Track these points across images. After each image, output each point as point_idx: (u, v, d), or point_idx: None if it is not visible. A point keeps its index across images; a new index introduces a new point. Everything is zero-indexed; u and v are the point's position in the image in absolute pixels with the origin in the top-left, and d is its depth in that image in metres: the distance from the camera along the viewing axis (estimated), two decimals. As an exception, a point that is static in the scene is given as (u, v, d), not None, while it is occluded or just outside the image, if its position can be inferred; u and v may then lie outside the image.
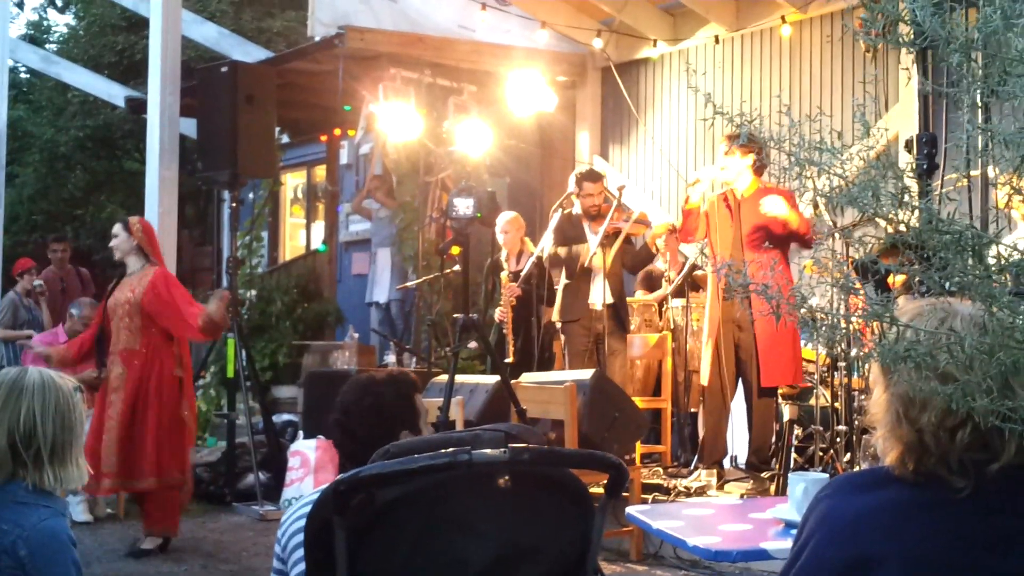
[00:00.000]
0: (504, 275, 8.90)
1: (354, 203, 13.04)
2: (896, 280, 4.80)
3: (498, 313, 8.75)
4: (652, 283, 9.11)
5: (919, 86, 5.63)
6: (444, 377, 6.94)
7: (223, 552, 7.04)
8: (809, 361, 7.34)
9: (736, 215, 6.94)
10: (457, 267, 9.18)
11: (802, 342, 7.03)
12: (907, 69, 7.08)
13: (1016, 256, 1.83)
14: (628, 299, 8.45)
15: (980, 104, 2.02)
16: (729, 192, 7.00)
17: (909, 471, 1.88)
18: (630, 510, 3.49)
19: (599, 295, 7.87)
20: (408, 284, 10.60)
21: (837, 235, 5.73)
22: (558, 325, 8.19)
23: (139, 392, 6.87)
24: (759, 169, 6.87)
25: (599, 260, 7.83)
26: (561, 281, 8.10)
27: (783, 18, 9.58)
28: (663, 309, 8.60)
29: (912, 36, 1.94)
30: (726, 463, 7.40)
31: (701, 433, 7.82)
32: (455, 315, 7.20)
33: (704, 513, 3.54)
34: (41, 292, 10.64)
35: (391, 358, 9.67)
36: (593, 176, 8.18)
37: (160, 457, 6.81)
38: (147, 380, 6.89)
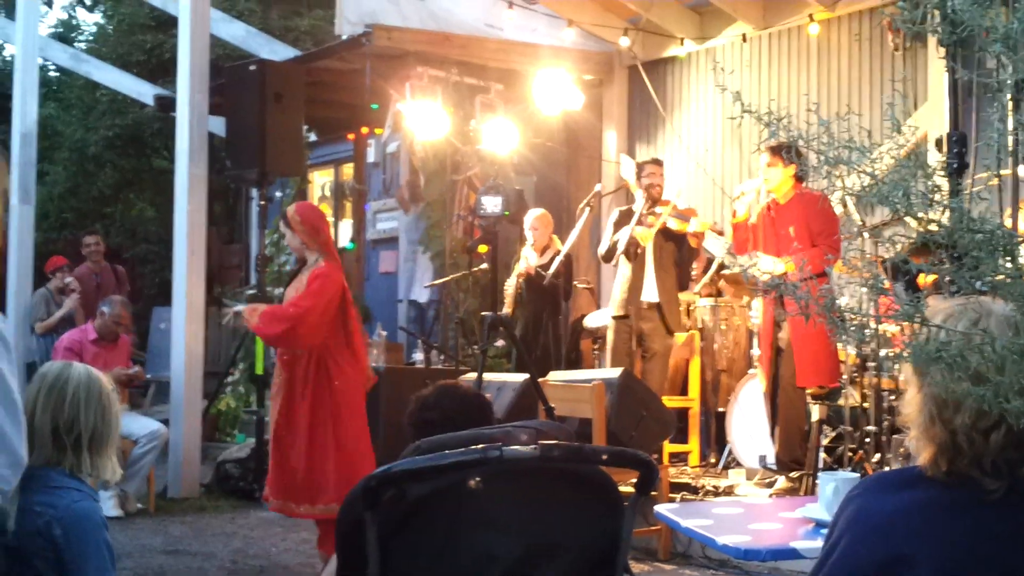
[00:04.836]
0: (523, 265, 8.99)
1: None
2: (927, 280, 4.78)
3: (511, 284, 8.87)
4: (684, 271, 9.09)
5: (954, 76, 5.57)
6: (472, 375, 6.96)
7: (252, 547, 7.08)
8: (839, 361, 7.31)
9: (774, 221, 6.97)
10: (485, 265, 9.19)
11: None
12: (943, 58, 7.02)
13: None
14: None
15: (1012, 99, 2.01)
16: (772, 201, 7.04)
17: (942, 471, 1.88)
18: (659, 508, 3.49)
19: (648, 292, 7.97)
20: (435, 282, 10.62)
21: (867, 234, 5.71)
22: (586, 325, 8.21)
23: (294, 401, 6.01)
24: (799, 178, 6.87)
25: (650, 254, 7.99)
26: (620, 274, 8.16)
27: (811, 16, 9.54)
28: (691, 308, 8.59)
29: (947, 28, 1.94)
30: (755, 463, 7.37)
31: (730, 434, 7.81)
32: (483, 313, 7.21)
33: (733, 512, 3.54)
34: (73, 289, 10.70)
35: (419, 356, 9.70)
36: (655, 160, 8.49)
37: (311, 478, 5.94)
38: (304, 389, 6.00)
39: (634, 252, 7.98)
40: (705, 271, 8.86)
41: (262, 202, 9.30)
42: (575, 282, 9.87)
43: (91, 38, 20.93)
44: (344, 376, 6.01)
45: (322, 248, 6.11)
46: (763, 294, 6.97)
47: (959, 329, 1.83)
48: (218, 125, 10.15)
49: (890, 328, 6.01)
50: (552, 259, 8.85)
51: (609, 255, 8.14)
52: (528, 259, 9.10)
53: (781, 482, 6.90)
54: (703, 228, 8.06)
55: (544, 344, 8.91)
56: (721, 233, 8.64)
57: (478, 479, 2.34)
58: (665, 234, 8.03)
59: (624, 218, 8.18)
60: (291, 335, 5.94)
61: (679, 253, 8.13)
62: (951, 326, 1.85)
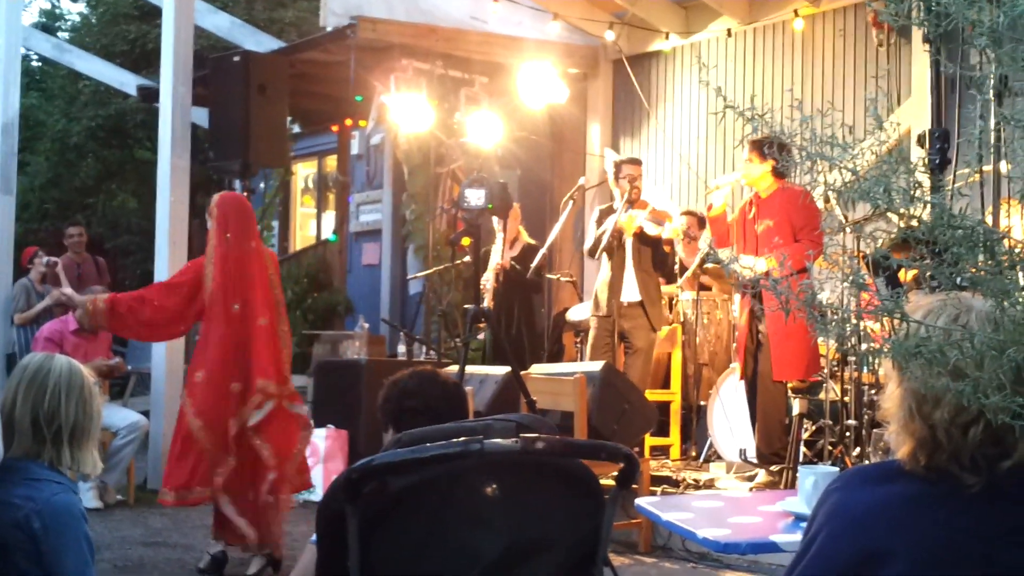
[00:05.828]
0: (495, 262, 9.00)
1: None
2: (907, 275, 4.80)
3: (488, 279, 8.86)
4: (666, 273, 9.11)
5: (939, 70, 5.58)
6: (454, 368, 6.96)
7: (233, 540, 7.05)
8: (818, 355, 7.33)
9: (755, 216, 6.96)
10: (467, 258, 9.19)
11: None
12: (928, 50, 7.02)
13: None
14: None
15: (994, 95, 2.01)
16: (755, 195, 7.04)
17: (921, 466, 1.88)
18: (639, 502, 3.50)
19: (629, 292, 7.97)
20: (419, 275, 10.62)
21: (848, 230, 5.71)
22: (569, 318, 8.22)
23: None
24: (779, 173, 6.85)
25: (629, 256, 7.97)
26: (600, 276, 8.18)
27: (796, 12, 9.56)
28: (674, 302, 8.61)
29: (933, 21, 1.94)
30: (736, 456, 7.39)
31: (711, 427, 7.82)
32: (466, 306, 7.21)
33: (714, 505, 3.55)
34: (53, 264, 10.61)
35: (403, 348, 9.70)
36: (633, 160, 8.46)
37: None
38: None
39: (616, 245, 7.98)
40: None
41: (245, 193, 9.25)
42: (559, 276, 9.89)
43: (74, 28, 20.83)
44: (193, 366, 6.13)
45: (222, 242, 6.01)
46: (744, 291, 6.98)
47: (939, 325, 1.84)
48: (201, 116, 10.11)
49: (871, 324, 6.04)
50: (521, 251, 8.87)
51: (594, 249, 8.14)
52: (502, 253, 9.08)
53: (761, 476, 6.92)
54: (674, 235, 8.07)
55: (518, 337, 8.91)
56: (695, 238, 8.68)
57: (494, 486, 2.34)
58: (641, 237, 8.03)
59: (605, 216, 8.19)
60: (138, 318, 5.98)
61: (655, 256, 8.14)
62: (931, 322, 1.85)
